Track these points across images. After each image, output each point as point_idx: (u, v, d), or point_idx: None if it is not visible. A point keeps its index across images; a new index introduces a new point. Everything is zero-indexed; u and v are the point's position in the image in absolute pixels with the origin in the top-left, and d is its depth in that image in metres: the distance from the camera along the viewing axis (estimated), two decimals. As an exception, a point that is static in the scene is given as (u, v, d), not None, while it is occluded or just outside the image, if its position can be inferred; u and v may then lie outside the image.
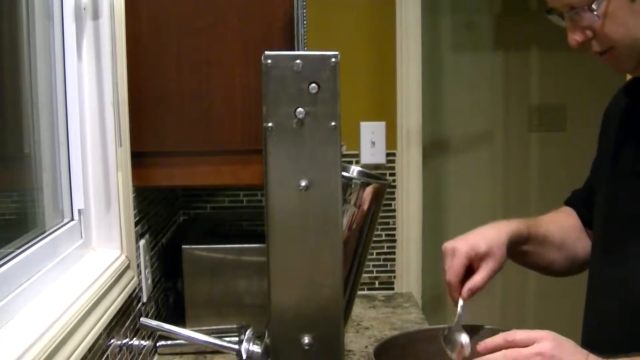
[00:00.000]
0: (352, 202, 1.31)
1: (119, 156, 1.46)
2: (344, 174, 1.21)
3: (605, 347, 1.13)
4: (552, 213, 1.48)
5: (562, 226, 1.43)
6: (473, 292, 1.27)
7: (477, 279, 1.27)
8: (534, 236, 1.38)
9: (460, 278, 1.28)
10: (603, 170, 1.33)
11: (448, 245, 1.30)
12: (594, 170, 1.41)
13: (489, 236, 1.30)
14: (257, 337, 1.24)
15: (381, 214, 1.41)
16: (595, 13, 1.11)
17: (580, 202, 1.45)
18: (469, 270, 1.29)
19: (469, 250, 1.27)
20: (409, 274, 2.30)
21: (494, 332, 1.28)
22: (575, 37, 1.15)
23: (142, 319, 1.38)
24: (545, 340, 1.04)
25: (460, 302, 1.27)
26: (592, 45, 1.16)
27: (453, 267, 1.27)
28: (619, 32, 1.12)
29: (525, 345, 1.04)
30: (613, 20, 1.12)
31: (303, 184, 1.11)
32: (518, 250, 1.36)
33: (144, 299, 1.61)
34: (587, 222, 1.42)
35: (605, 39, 1.14)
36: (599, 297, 1.29)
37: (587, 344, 1.24)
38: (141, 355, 1.58)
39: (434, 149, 2.85)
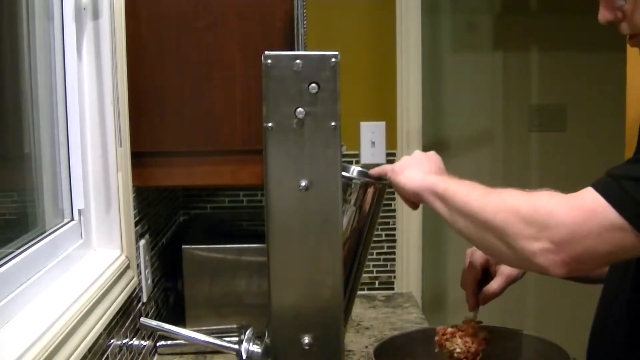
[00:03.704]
0: (352, 202, 1.30)
1: (119, 156, 1.46)
2: (344, 174, 1.21)
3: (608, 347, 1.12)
4: None
5: None
6: (488, 299, 1.29)
7: (494, 285, 1.28)
8: None
9: (474, 288, 1.30)
10: None
11: (469, 250, 1.31)
12: None
13: None
14: (257, 337, 1.24)
15: (381, 214, 1.41)
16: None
17: None
18: (487, 273, 1.30)
19: (486, 259, 1.28)
20: (409, 274, 2.30)
21: (494, 331, 1.29)
22: (605, 14, 1.11)
23: (142, 319, 1.38)
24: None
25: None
26: (621, 27, 1.12)
27: (468, 279, 1.30)
28: None
29: None
30: None
31: (303, 184, 1.11)
32: None
33: (144, 299, 1.61)
34: None
35: (633, 25, 1.10)
36: (608, 306, 1.25)
37: (592, 348, 1.23)
38: (141, 355, 1.58)
39: (434, 149, 2.83)
